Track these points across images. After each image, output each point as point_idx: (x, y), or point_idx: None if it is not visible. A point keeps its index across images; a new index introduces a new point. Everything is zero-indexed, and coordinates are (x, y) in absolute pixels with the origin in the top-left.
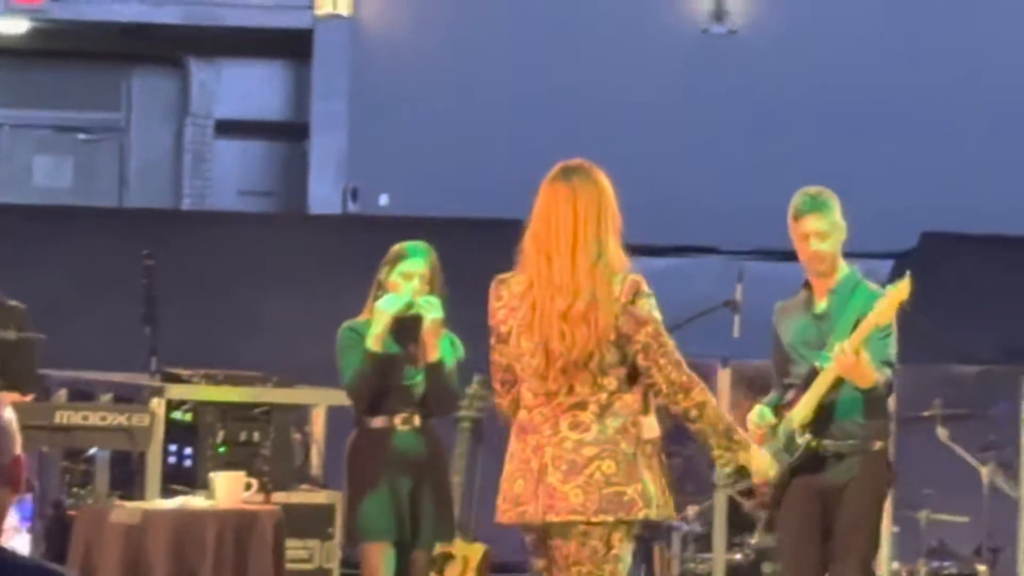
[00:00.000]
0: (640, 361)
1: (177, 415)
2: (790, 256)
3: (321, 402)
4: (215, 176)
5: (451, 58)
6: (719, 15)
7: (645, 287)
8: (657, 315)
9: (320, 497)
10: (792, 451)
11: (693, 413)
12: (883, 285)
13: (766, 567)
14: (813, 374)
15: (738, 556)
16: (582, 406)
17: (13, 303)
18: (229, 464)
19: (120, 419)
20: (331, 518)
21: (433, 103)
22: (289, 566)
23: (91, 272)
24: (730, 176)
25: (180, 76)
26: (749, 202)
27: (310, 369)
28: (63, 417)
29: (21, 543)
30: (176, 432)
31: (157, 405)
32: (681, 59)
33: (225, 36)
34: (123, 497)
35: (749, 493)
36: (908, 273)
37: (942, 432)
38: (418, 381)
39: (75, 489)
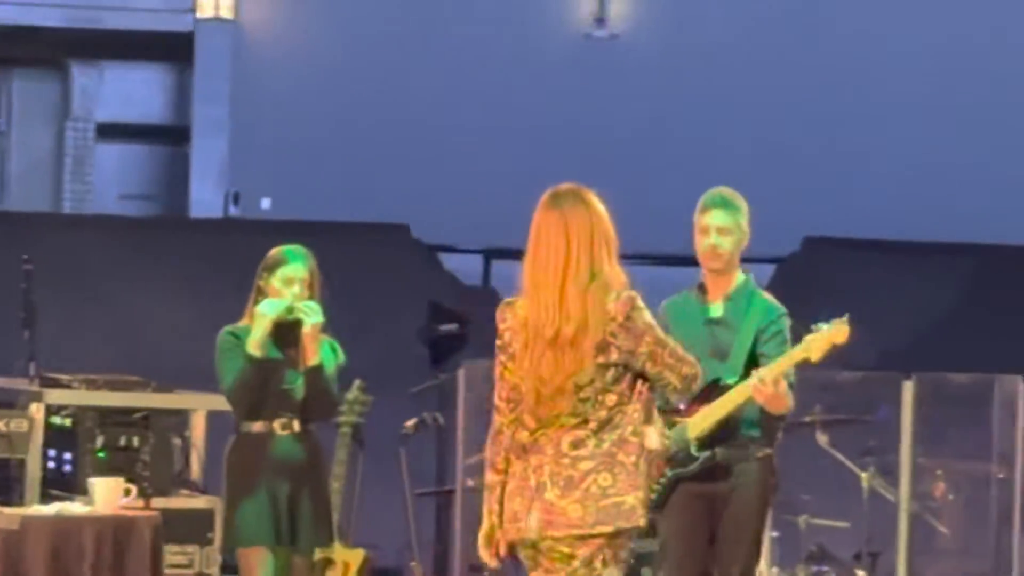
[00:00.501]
0: (650, 369)
1: (56, 420)
2: (675, 261)
3: (201, 407)
4: (96, 180)
5: (332, 62)
6: (600, 20)
7: (639, 302)
8: (653, 322)
9: (199, 502)
10: (687, 464)
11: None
12: (767, 290)
13: (645, 572)
14: (716, 387)
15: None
16: (583, 426)
17: None
18: (109, 469)
19: None
20: (210, 523)
21: (314, 107)
22: (168, 571)
23: None
24: (611, 180)
25: (61, 79)
26: (627, 205)
27: (191, 374)
28: None
29: None
30: (55, 437)
31: (36, 410)
32: (563, 63)
33: (106, 39)
34: (2, 503)
35: None
36: (847, 317)
37: (822, 437)
38: (298, 386)
39: None
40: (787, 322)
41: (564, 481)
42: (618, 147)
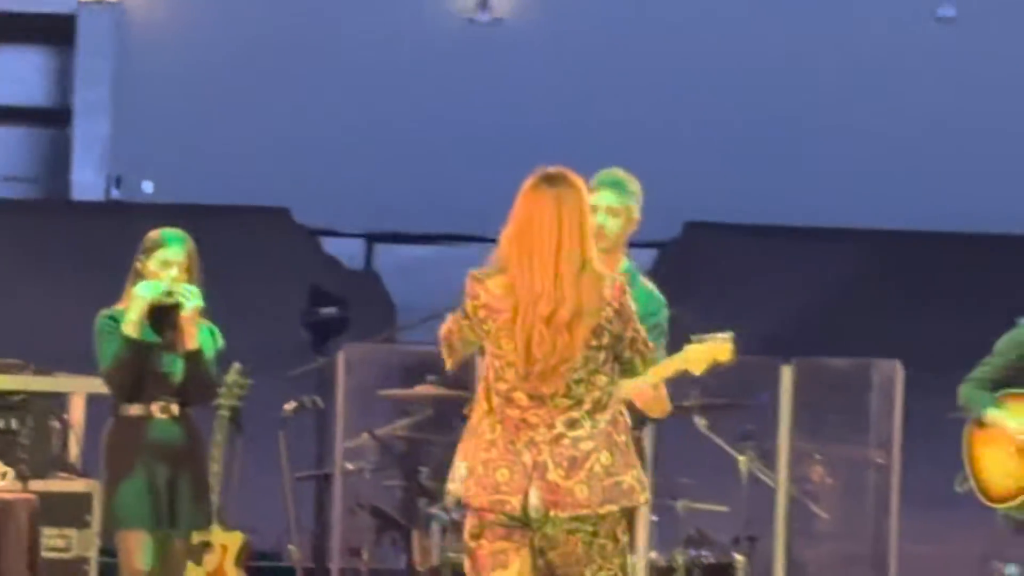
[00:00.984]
0: (626, 353)
1: None
2: None
3: (80, 390)
4: None
5: (215, 45)
6: (484, 4)
7: (628, 287)
8: (635, 307)
9: (78, 485)
10: None
11: None
12: (648, 274)
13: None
14: None
15: None
16: (577, 406)
17: None
18: None
19: None
20: (88, 506)
21: (197, 90)
22: (46, 555)
23: None
24: (493, 165)
25: None
26: (511, 190)
27: (70, 357)
28: None
29: None
30: None
31: None
32: (446, 48)
33: None
34: None
35: None
36: (732, 336)
37: (701, 422)
38: (176, 369)
39: None
40: (666, 313)
41: (567, 462)
42: (501, 131)
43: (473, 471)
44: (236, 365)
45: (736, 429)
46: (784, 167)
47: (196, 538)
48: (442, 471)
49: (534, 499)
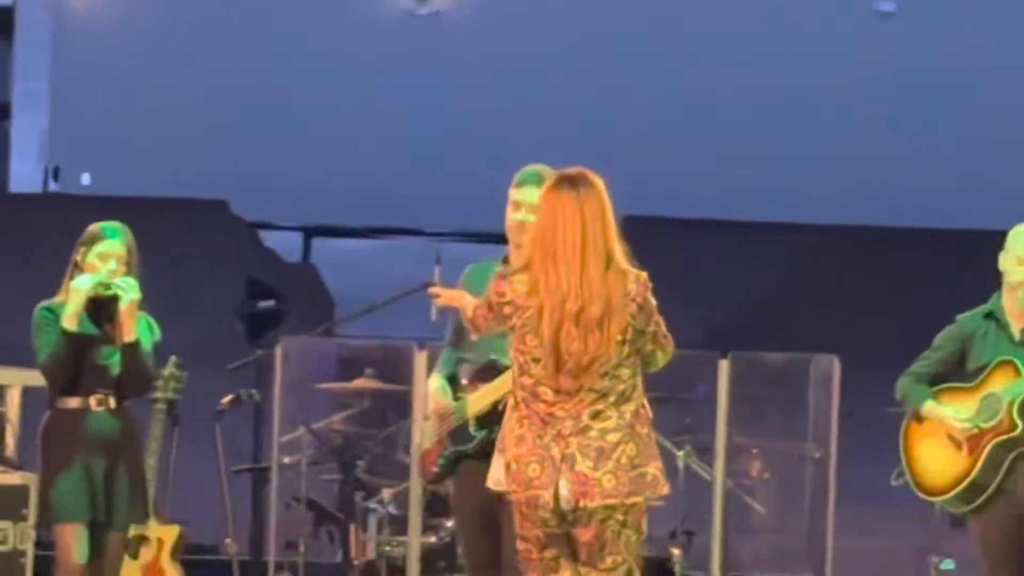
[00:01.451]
0: (648, 347)
1: None
2: (488, 238)
3: (16, 383)
4: None
5: (155, 37)
6: None
7: (649, 283)
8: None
9: (14, 478)
10: (467, 441)
11: None
12: None
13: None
14: (492, 368)
15: (433, 539)
16: (602, 399)
17: None
18: None
19: None
20: (25, 500)
21: (136, 82)
22: None
23: None
24: (432, 159)
25: None
26: (450, 184)
27: (5, 349)
28: None
29: None
30: None
31: None
32: (386, 40)
33: None
34: None
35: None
36: None
37: None
38: (114, 362)
39: None
40: None
41: (595, 453)
42: (441, 124)
43: (509, 467)
44: (173, 358)
45: (674, 423)
46: (722, 162)
47: (132, 531)
48: (379, 464)
49: (564, 491)
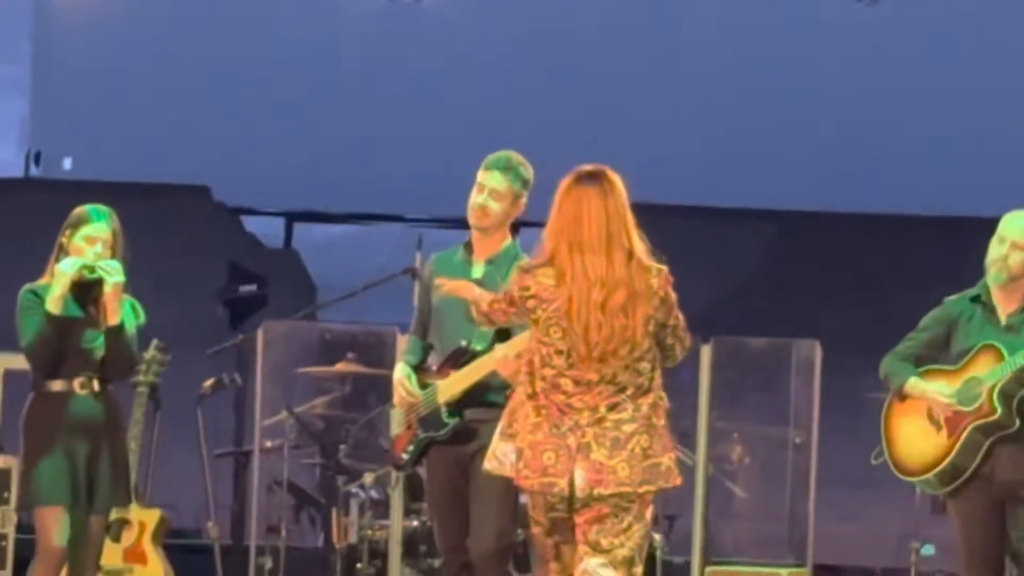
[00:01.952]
0: (668, 340)
1: None
2: (470, 225)
3: None
4: None
5: (138, 20)
6: None
7: (670, 276)
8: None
9: None
10: (439, 428)
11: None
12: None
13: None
14: (464, 354)
15: (415, 523)
16: (620, 392)
17: None
18: None
19: None
20: (7, 483)
21: (117, 67)
22: None
23: None
24: (414, 145)
25: None
26: (432, 171)
27: None
28: None
29: None
30: None
31: None
32: (368, 27)
33: None
34: None
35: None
36: None
37: None
38: (98, 345)
39: None
40: None
41: (611, 442)
42: (423, 111)
43: (522, 453)
44: (155, 342)
45: None
46: (703, 147)
47: (114, 515)
48: (360, 449)
49: (579, 479)
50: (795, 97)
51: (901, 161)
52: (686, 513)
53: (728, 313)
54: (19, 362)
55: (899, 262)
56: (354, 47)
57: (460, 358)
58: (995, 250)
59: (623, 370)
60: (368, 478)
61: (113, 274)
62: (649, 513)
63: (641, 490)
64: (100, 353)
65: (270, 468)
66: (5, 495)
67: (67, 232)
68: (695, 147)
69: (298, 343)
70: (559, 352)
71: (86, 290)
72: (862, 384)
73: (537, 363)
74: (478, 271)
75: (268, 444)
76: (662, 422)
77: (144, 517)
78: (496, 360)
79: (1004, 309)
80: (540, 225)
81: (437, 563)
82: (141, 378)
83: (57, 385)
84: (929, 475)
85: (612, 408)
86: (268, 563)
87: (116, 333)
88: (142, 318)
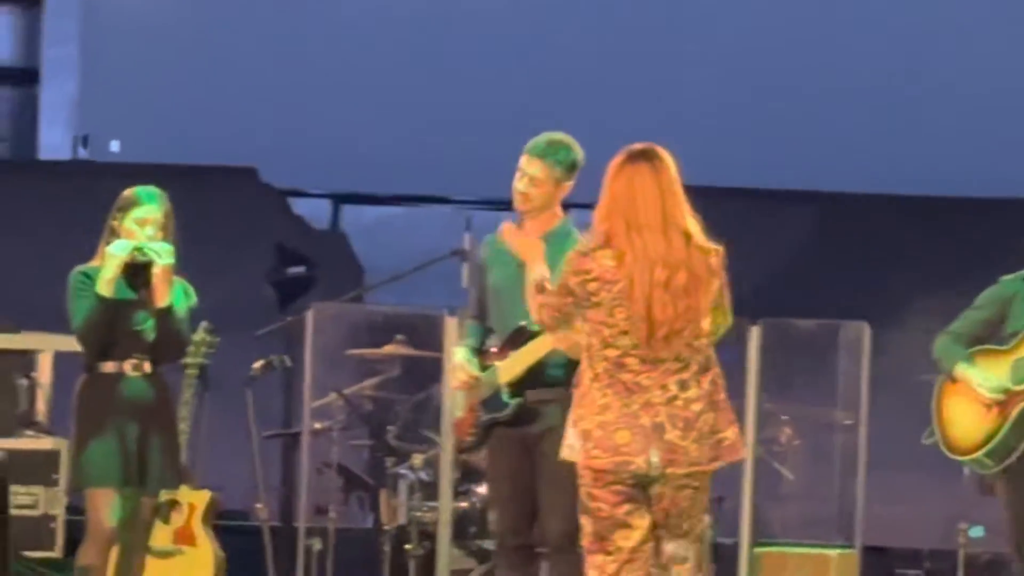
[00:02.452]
0: (719, 319)
1: None
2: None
3: (47, 348)
4: None
5: (185, 4)
6: None
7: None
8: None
9: (45, 443)
10: (500, 409)
11: None
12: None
13: (492, 516)
14: (523, 334)
15: (464, 504)
16: (686, 369)
17: None
18: None
19: None
20: (56, 464)
21: (165, 49)
22: (14, 512)
23: None
24: (462, 126)
25: None
26: (480, 152)
27: (37, 315)
28: None
29: None
30: None
31: None
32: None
33: None
34: None
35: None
36: None
37: None
38: (149, 327)
39: None
40: None
41: (683, 423)
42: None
43: (590, 435)
44: (204, 323)
45: None
46: (747, 130)
47: (163, 496)
48: (409, 430)
49: (654, 458)
50: (841, 76)
51: (949, 142)
52: (734, 495)
53: (774, 295)
54: (69, 344)
55: (948, 243)
56: (404, 27)
57: (519, 338)
58: None
59: (686, 348)
60: (417, 459)
61: (163, 256)
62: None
63: (711, 468)
64: (151, 335)
65: (319, 450)
66: (54, 477)
67: (117, 215)
68: (739, 129)
69: (347, 325)
70: (624, 332)
71: (137, 272)
72: (911, 365)
73: (597, 345)
74: None
75: (317, 426)
76: (722, 396)
77: (193, 498)
78: (556, 337)
79: None
80: (587, 207)
81: (487, 544)
82: (190, 360)
83: (108, 367)
84: (979, 454)
85: (681, 387)
86: (317, 544)
87: (166, 315)
88: (193, 300)
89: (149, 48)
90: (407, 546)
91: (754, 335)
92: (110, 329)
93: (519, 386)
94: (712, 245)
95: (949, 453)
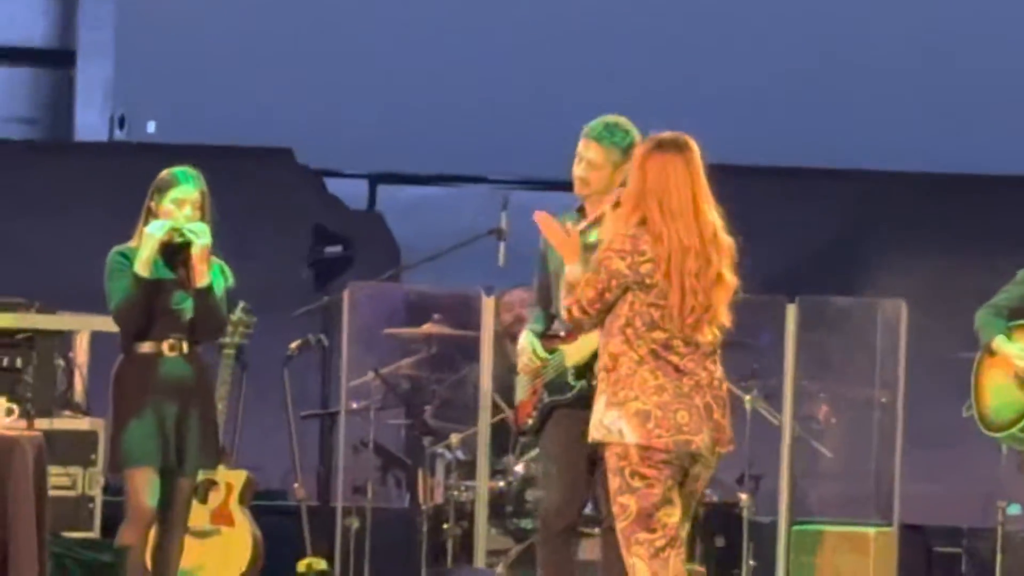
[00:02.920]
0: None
1: None
2: (556, 186)
3: (85, 328)
4: None
5: None
6: None
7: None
8: None
9: (83, 424)
10: (564, 391)
11: None
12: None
13: (530, 494)
14: None
15: (501, 484)
16: (715, 352)
17: None
18: None
19: None
20: (94, 445)
21: (201, 30)
22: (51, 493)
23: None
24: (499, 106)
25: None
26: (517, 132)
27: (75, 295)
28: None
29: None
30: None
31: None
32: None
33: None
34: None
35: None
36: None
37: None
38: (186, 307)
39: None
40: None
41: (723, 403)
42: (509, 70)
43: (650, 415)
44: (241, 303)
45: (741, 368)
46: (784, 108)
47: (201, 476)
48: (446, 409)
49: (707, 438)
50: (880, 54)
51: (988, 120)
52: (772, 473)
53: (812, 273)
54: (106, 324)
55: (986, 221)
56: (440, 8)
57: None
58: None
59: (711, 333)
60: (454, 439)
61: (201, 236)
62: None
63: (733, 445)
64: (189, 315)
65: (356, 429)
66: (92, 457)
67: (155, 195)
68: (778, 107)
69: (384, 304)
70: (671, 316)
71: (175, 252)
72: (948, 343)
73: (641, 327)
74: (593, 235)
75: (354, 405)
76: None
77: (231, 478)
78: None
79: None
80: None
81: (524, 524)
82: (228, 340)
83: (146, 347)
84: (1015, 428)
85: (715, 369)
86: (355, 524)
87: (204, 295)
88: (231, 280)
89: (185, 29)
90: (444, 525)
91: (791, 312)
92: (148, 309)
93: (585, 369)
94: (730, 238)
95: (985, 429)
